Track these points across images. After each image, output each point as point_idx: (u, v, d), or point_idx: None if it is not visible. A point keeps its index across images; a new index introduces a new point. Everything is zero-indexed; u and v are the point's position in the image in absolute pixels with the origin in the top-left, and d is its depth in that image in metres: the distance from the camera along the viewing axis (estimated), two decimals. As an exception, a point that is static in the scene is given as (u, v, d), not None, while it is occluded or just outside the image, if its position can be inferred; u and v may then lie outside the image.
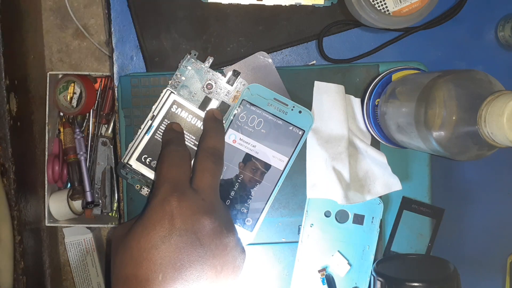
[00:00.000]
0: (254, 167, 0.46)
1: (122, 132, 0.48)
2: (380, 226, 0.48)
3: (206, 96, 0.47)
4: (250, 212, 0.46)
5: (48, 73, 0.91)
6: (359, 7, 0.44)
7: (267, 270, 0.49)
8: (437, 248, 0.50)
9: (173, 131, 0.45)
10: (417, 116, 0.38)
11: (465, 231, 0.53)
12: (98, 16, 1.01)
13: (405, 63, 0.48)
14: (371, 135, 0.49)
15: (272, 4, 0.49)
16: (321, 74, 0.48)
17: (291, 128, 0.46)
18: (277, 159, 0.46)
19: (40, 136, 0.90)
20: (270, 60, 0.48)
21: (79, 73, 0.93)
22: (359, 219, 0.48)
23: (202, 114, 0.46)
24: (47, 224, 0.91)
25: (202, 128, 0.46)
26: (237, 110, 0.46)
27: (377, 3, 0.44)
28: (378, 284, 0.45)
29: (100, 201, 0.93)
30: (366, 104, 0.47)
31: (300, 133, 0.46)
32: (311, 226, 0.48)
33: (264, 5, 0.49)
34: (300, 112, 0.46)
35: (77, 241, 0.98)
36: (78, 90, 0.94)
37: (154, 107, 0.46)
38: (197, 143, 0.46)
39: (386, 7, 0.44)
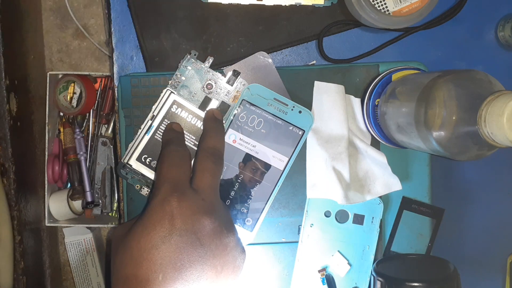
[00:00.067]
0: (254, 167, 0.46)
1: (122, 132, 0.48)
2: (380, 226, 0.48)
3: (206, 96, 0.47)
4: (250, 212, 0.46)
5: (48, 73, 0.91)
6: (359, 7, 0.44)
7: (267, 270, 0.49)
8: (437, 248, 0.50)
9: (173, 131, 0.45)
10: (417, 116, 0.38)
11: (465, 231, 0.53)
12: (98, 16, 1.01)
13: (405, 63, 0.48)
14: (371, 135, 0.49)
15: (272, 4, 0.49)
16: (321, 74, 0.48)
17: (291, 128, 0.46)
18: (277, 159, 0.46)
19: (40, 136, 0.90)
20: (270, 60, 0.48)
21: (79, 73, 0.93)
22: (359, 219, 0.48)
23: (202, 114, 0.46)
24: (47, 224, 0.91)
25: (202, 128, 0.46)
26: (237, 110, 0.46)
27: (377, 3, 0.44)
28: (378, 284, 0.45)
29: (100, 201, 0.93)
30: (366, 104, 0.47)
31: (300, 133, 0.46)
32: (311, 226, 0.48)
33: (264, 5, 0.49)
34: (300, 112, 0.46)
35: (77, 241, 0.98)
36: (78, 90, 0.94)
37: (154, 107, 0.46)
38: (197, 143, 0.46)
39: (386, 7, 0.44)
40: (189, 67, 0.47)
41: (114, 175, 0.94)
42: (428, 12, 0.44)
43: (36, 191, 0.89)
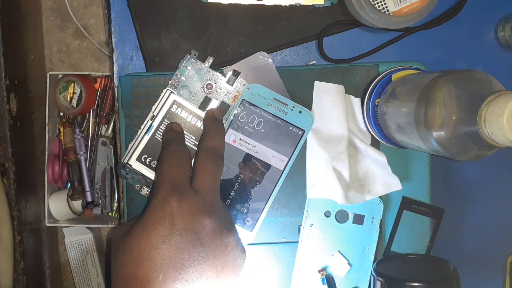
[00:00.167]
0: (254, 167, 0.46)
1: (122, 132, 0.48)
2: (380, 226, 0.48)
3: (206, 96, 0.47)
4: (250, 212, 0.46)
5: (48, 73, 0.91)
6: (359, 7, 0.44)
7: (267, 270, 0.49)
8: (437, 248, 0.50)
9: (173, 131, 0.46)
10: (417, 116, 0.38)
11: (465, 231, 0.53)
12: (98, 16, 1.01)
13: (405, 63, 0.48)
14: (371, 135, 0.49)
15: (272, 4, 0.49)
16: (321, 74, 0.48)
17: (291, 128, 0.46)
18: (277, 159, 0.46)
19: (40, 136, 0.90)
20: (270, 60, 0.48)
21: (79, 73, 0.93)
22: (359, 219, 0.48)
23: (202, 114, 0.46)
24: (47, 224, 0.91)
25: (202, 128, 0.46)
26: (237, 110, 0.46)
27: (377, 3, 0.44)
28: (378, 284, 0.45)
29: (100, 201, 0.93)
30: (366, 104, 0.47)
31: (300, 133, 0.46)
32: (311, 226, 0.48)
33: (264, 5, 0.49)
34: (300, 112, 0.46)
35: (77, 241, 0.98)
36: (78, 90, 0.94)
37: (154, 107, 0.46)
38: (197, 143, 0.46)
39: (386, 7, 0.44)
40: (189, 67, 0.47)
41: (114, 175, 0.94)
42: (428, 12, 0.44)
43: (36, 191, 0.89)
